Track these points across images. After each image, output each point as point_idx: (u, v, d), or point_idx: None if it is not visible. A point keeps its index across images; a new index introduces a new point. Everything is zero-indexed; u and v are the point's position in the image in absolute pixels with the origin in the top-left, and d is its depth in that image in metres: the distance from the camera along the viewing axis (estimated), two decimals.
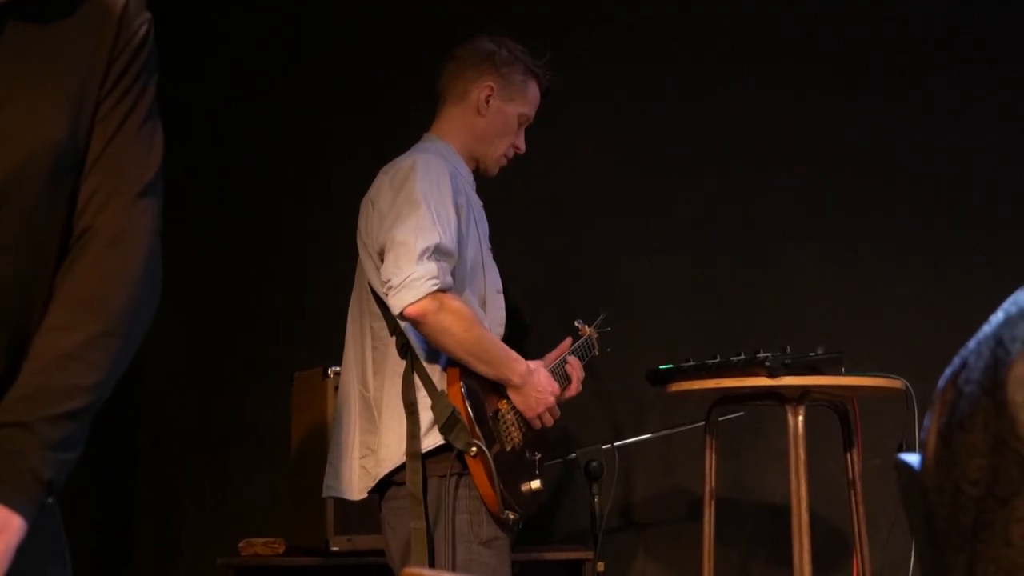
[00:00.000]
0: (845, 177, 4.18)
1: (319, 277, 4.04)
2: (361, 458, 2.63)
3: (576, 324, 3.21)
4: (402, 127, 3.26)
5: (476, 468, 2.51)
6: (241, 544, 3.56)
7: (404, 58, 4.11)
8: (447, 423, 2.50)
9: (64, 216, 1.44)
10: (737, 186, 4.16)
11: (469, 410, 2.52)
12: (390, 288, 2.46)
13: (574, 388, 2.88)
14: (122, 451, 4.02)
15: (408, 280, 2.43)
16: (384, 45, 4.18)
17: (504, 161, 2.84)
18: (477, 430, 2.51)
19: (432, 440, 2.53)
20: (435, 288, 2.43)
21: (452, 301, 2.48)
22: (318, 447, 3.43)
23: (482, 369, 2.56)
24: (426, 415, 2.53)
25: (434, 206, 2.50)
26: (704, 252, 4.15)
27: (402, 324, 2.56)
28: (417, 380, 2.56)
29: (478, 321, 2.54)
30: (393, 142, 3.00)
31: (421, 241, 2.45)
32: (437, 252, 2.46)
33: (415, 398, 2.54)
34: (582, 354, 3.06)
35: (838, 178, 4.18)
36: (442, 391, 2.54)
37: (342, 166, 4.07)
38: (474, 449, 2.48)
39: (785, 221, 4.16)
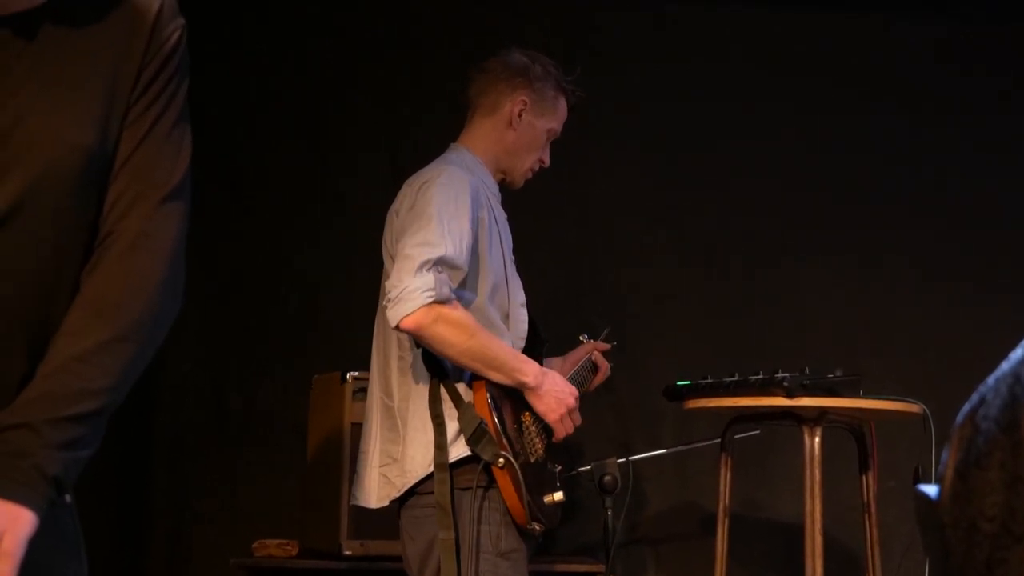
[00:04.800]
0: (870, 196, 4.17)
1: (335, 279, 4.05)
2: (381, 466, 2.63)
3: (581, 339, 3.21)
4: (418, 131, 3.27)
5: (503, 479, 2.50)
6: (255, 545, 3.57)
7: (421, 62, 4.12)
8: (474, 434, 2.49)
9: (93, 219, 1.43)
10: (759, 202, 4.16)
11: (496, 421, 2.52)
12: (388, 301, 2.46)
13: (602, 375, 3.09)
14: (137, 451, 4.03)
15: (403, 293, 2.43)
16: (401, 48, 4.18)
17: (530, 175, 2.85)
18: (504, 441, 2.51)
19: (458, 451, 2.53)
20: (430, 300, 2.42)
21: (450, 312, 2.46)
22: (334, 451, 3.44)
23: (493, 376, 2.55)
24: (452, 425, 2.53)
25: (446, 220, 2.50)
26: (723, 268, 4.15)
27: None
28: (443, 391, 2.56)
29: (479, 329, 2.52)
30: (410, 146, 3.00)
31: (424, 254, 2.44)
32: (439, 264, 2.45)
33: (441, 409, 2.54)
34: (590, 368, 3.07)
35: (863, 197, 4.17)
36: (468, 402, 2.54)
37: (359, 168, 4.08)
38: (501, 460, 2.48)
39: (806, 239, 4.15)
